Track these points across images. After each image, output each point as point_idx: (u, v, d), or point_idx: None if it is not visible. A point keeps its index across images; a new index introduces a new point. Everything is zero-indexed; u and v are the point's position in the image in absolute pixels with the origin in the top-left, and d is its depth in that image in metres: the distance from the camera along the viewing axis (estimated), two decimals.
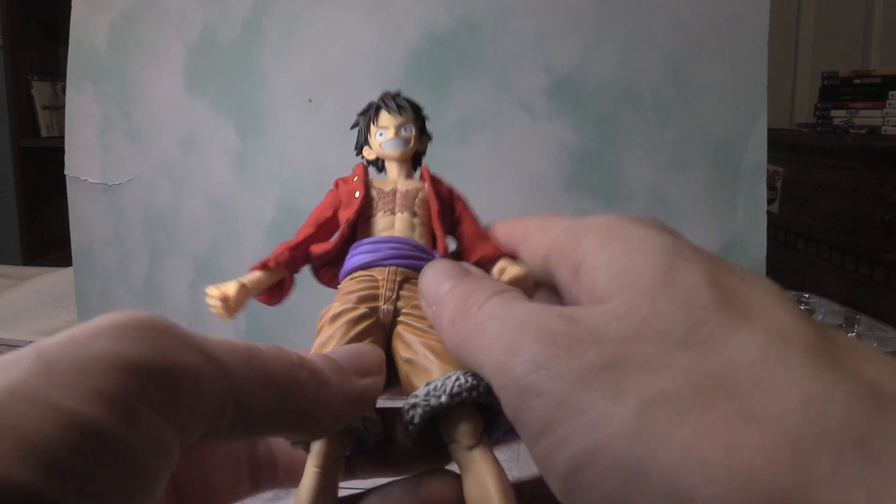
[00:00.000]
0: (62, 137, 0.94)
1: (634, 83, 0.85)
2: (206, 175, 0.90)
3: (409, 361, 0.23)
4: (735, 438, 0.14)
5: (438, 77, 0.85)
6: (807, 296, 0.74)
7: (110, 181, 0.92)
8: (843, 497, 0.13)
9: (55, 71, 2.37)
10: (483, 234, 0.28)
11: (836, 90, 1.87)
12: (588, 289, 0.19)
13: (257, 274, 0.28)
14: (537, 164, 0.86)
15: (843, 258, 1.66)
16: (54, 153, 1.21)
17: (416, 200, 0.29)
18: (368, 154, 0.31)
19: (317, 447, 0.22)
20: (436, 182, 0.30)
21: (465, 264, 0.24)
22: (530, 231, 0.25)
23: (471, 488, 0.21)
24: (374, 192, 0.29)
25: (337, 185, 0.30)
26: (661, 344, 0.16)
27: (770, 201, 0.91)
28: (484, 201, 0.94)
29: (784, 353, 0.15)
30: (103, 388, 0.14)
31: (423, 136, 0.31)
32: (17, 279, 1.17)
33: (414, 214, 0.28)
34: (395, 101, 0.31)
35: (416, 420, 0.22)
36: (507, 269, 0.25)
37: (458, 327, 0.20)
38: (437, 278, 0.23)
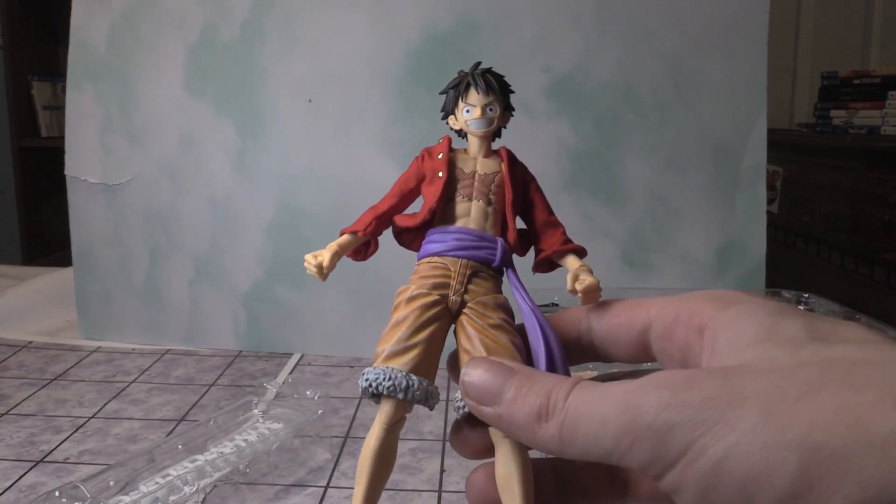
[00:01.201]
0: (62, 137, 0.94)
1: (634, 83, 0.85)
2: (206, 175, 0.90)
3: (467, 351, 0.27)
4: (847, 403, 0.18)
5: (438, 77, 0.85)
6: (806, 296, 0.74)
7: (110, 181, 0.92)
8: None
9: (55, 71, 2.36)
10: (552, 221, 0.32)
11: (836, 90, 1.87)
12: (709, 346, 0.23)
13: (347, 238, 0.31)
14: (537, 164, 0.85)
15: (843, 258, 1.66)
16: (54, 153, 1.21)
17: (493, 186, 0.31)
18: (454, 124, 0.32)
19: (385, 408, 0.27)
20: (512, 164, 0.32)
21: (498, 359, 0.26)
22: (623, 308, 0.27)
23: (499, 465, 0.26)
24: (455, 173, 0.31)
25: (423, 157, 0.32)
26: (770, 365, 0.20)
27: (770, 201, 0.91)
28: None
29: (874, 346, 0.20)
30: None
31: (507, 112, 0.33)
32: (17, 279, 1.17)
33: (489, 202, 0.31)
34: (485, 81, 0.32)
35: (463, 413, 0.27)
36: (580, 277, 0.29)
37: (550, 423, 0.22)
38: (487, 379, 0.24)
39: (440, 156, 0.32)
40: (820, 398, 0.18)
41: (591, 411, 0.21)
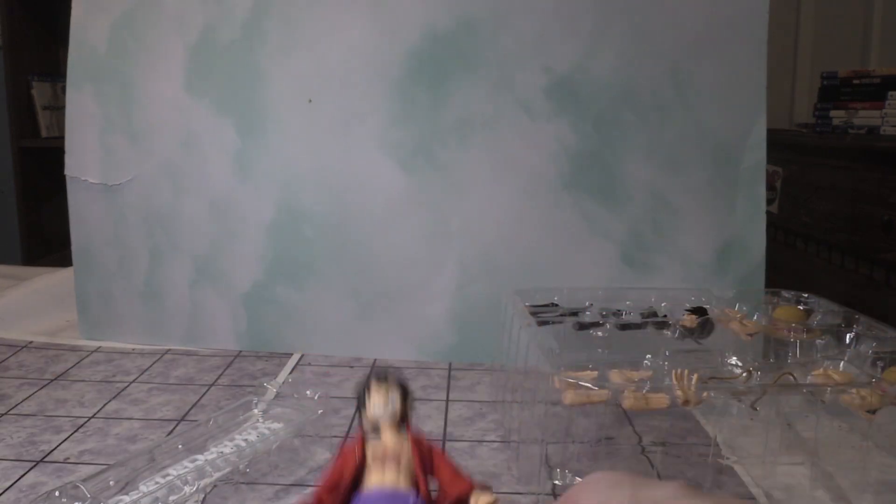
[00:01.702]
0: (62, 138, 0.94)
1: (634, 83, 0.85)
2: (206, 175, 0.90)
3: None
4: None
5: (438, 77, 0.85)
6: (806, 296, 0.74)
7: (110, 181, 0.92)
8: None
9: (55, 71, 2.36)
10: (457, 475, 0.42)
11: (836, 90, 1.87)
12: None
13: None
14: (537, 164, 0.86)
15: (843, 258, 1.66)
16: (54, 153, 1.21)
17: (402, 454, 0.41)
18: (366, 421, 0.42)
19: None
20: (417, 441, 0.42)
21: None
22: None
23: None
24: (369, 453, 0.41)
25: (343, 452, 0.42)
26: None
27: (769, 201, 0.91)
28: (484, 201, 0.94)
29: None
30: None
31: (407, 401, 0.43)
32: (17, 279, 1.17)
33: (399, 466, 0.40)
34: (383, 379, 0.43)
35: None
36: (480, 499, 0.39)
37: None
38: None
39: (357, 444, 0.42)
40: None
41: None
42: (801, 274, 1.81)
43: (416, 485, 0.40)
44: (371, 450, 0.41)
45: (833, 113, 1.87)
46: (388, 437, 0.41)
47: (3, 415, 0.71)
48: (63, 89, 1.32)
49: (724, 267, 0.85)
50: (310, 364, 0.86)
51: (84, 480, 0.49)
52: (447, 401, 0.75)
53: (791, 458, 0.61)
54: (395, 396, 0.42)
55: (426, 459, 0.41)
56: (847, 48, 2.22)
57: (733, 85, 0.84)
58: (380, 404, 0.41)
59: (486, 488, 0.40)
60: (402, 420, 0.42)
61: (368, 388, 0.42)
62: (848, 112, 1.85)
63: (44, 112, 2.34)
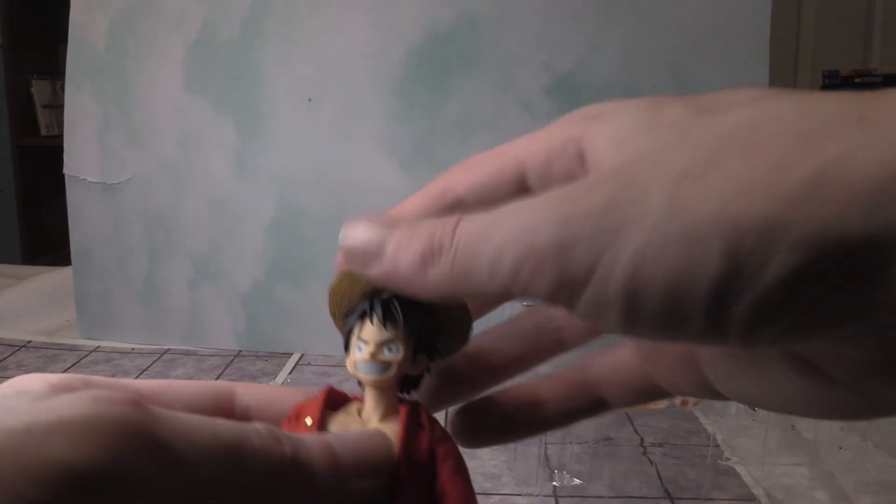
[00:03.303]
0: (62, 136, 0.94)
1: (635, 82, 0.85)
2: (206, 174, 0.90)
3: None
4: (756, 165, 0.16)
5: (438, 76, 0.85)
6: None
7: (109, 180, 0.92)
8: (854, 148, 0.15)
9: (55, 69, 2.36)
10: None
11: (837, 89, 1.87)
12: (593, 163, 0.21)
13: None
14: None
15: None
16: (54, 152, 1.21)
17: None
18: (349, 367, 0.23)
19: None
20: (413, 431, 0.21)
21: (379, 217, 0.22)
22: (487, 163, 0.24)
23: None
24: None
25: (290, 421, 0.22)
26: (665, 151, 0.17)
27: None
28: None
29: (770, 101, 0.17)
30: (43, 498, 0.14)
31: (421, 355, 0.22)
32: (17, 279, 1.17)
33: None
34: (385, 310, 0.22)
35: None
36: None
37: (440, 259, 0.19)
38: (366, 238, 0.21)
39: (308, 422, 0.21)
40: (726, 168, 0.16)
41: (482, 242, 0.18)
42: None
43: None
44: (334, 426, 0.22)
45: None
46: (373, 416, 0.22)
47: None
48: (63, 88, 1.32)
49: None
50: (310, 364, 0.86)
51: None
52: None
53: (791, 459, 0.61)
54: (399, 347, 0.22)
55: (421, 485, 0.21)
56: (849, 47, 2.22)
57: (735, 83, 0.83)
58: (365, 355, 0.22)
59: None
60: (411, 382, 0.23)
61: (360, 320, 0.23)
62: None
63: (43, 110, 2.34)
